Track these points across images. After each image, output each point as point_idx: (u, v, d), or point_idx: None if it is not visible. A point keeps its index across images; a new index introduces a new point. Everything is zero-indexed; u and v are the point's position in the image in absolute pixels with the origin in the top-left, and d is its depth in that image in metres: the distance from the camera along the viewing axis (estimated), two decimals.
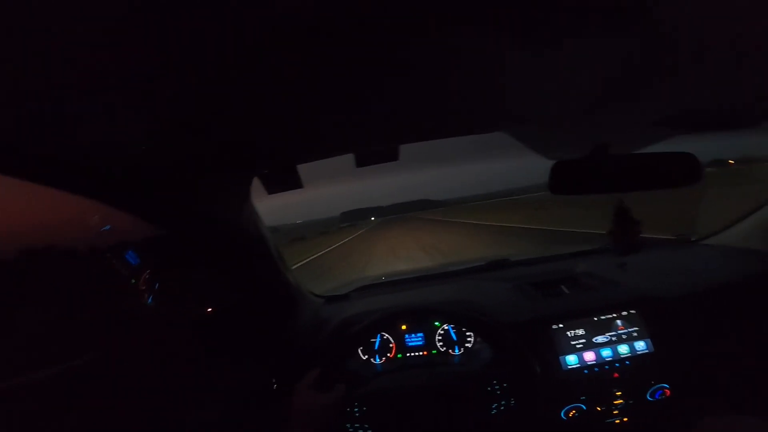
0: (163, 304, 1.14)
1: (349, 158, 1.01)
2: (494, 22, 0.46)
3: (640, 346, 1.13)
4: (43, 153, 0.64)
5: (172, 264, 1.18)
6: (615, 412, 1.09)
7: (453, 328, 1.23)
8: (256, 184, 1.05)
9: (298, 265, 13.55)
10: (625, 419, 1.09)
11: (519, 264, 1.71)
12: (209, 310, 1.21)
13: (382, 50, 0.50)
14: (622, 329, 1.15)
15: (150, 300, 1.15)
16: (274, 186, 1.05)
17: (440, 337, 1.23)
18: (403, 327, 1.24)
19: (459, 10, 0.43)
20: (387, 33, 0.46)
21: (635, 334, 1.14)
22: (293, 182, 1.04)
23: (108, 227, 1.15)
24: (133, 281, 1.14)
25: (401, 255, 12.20)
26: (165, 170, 0.83)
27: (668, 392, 1.09)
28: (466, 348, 1.21)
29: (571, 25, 0.48)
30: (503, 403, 1.02)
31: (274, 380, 1.12)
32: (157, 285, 1.16)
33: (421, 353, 1.22)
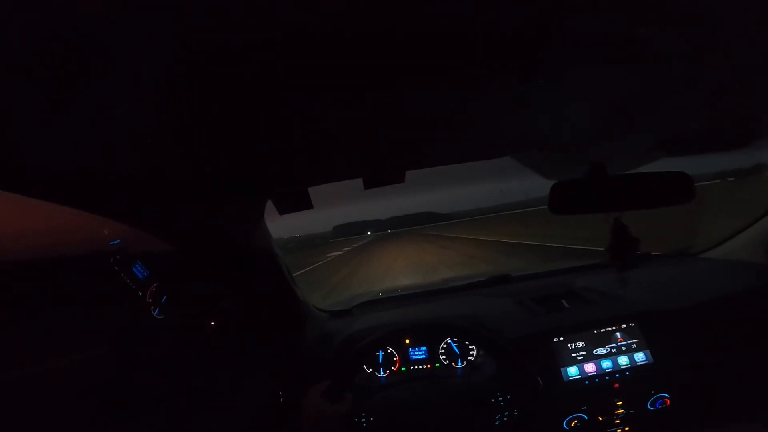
0: (171, 317, 1.16)
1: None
2: (501, 61, 0.50)
3: (640, 357, 1.15)
4: (64, 169, 0.66)
5: (181, 278, 1.20)
6: (616, 422, 1.10)
7: (455, 342, 1.25)
8: (269, 205, 1.09)
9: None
10: (627, 428, 1.11)
11: (520, 279, 1.74)
12: (212, 323, 1.22)
13: (398, 83, 0.54)
14: (621, 341, 1.17)
15: (156, 312, 1.16)
16: (286, 207, 1.09)
17: (443, 351, 1.25)
18: (407, 341, 1.26)
19: (473, 51, 0.47)
20: (402, 69, 0.49)
21: (634, 345, 1.17)
22: (304, 203, 1.08)
23: (117, 241, 1.17)
24: (140, 294, 1.15)
25: (398, 270, 12.16)
26: (187, 189, 0.86)
27: (668, 402, 1.11)
28: (469, 361, 1.23)
29: (573, 65, 0.53)
30: (506, 414, 1.04)
31: (280, 392, 1.12)
32: (165, 298, 1.17)
33: (424, 366, 1.24)
